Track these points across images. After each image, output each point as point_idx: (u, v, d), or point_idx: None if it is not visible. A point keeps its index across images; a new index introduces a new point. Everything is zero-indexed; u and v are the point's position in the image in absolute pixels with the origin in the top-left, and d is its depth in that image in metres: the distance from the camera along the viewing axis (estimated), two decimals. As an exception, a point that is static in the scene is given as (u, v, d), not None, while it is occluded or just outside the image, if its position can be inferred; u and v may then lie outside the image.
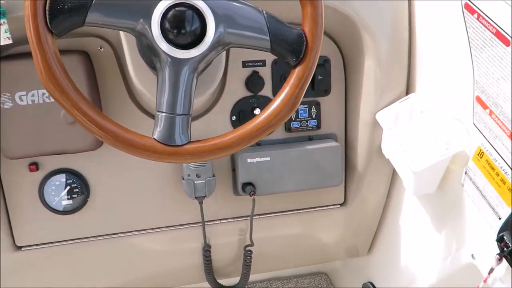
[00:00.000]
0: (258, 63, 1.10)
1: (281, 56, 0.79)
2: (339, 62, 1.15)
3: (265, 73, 1.11)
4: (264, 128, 0.78)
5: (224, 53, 1.02)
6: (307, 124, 1.16)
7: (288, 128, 1.15)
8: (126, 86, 1.06)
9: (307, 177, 1.13)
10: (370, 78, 1.08)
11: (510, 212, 0.82)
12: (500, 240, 0.82)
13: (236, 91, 1.11)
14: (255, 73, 1.11)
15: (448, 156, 0.94)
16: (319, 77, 1.13)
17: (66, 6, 0.70)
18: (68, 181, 1.09)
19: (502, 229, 0.84)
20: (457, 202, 0.97)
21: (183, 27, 0.73)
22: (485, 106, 0.87)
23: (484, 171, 0.89)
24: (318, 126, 1.16)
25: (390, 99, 1.10)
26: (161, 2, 0.72)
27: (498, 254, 0.82)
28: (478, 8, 0.85)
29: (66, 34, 0.74)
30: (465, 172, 0.94)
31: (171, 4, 0.73)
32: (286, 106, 0.78)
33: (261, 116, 0.78)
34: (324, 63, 1.13)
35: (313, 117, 1.15)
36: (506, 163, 0.83)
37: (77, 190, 1.09)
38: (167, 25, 0.73)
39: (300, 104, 1.13)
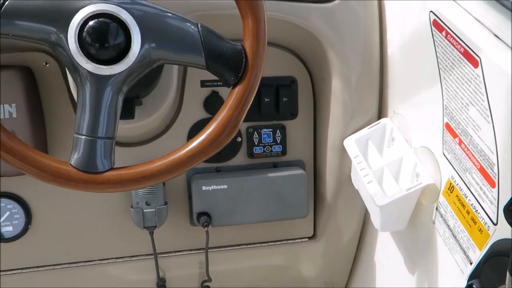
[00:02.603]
0: (218, 83, 1.02)
1: (218, 74, 0.70)
2: (307, 83, 1.06)
3: (226, 93, 1.02)
4: (197, 155, 0.69)
5: (176, 70, 0.95)
6: (271, 150, 1.07)
7: (250, 154, 1.06)
8: (73, 104, 0.98)
9: (269, 207, 1.04)
10: (338, 101, 0.99)
11: (480, 257, 0.72)
12: (469, 288, 0.71)
13: (194, 112, 1.03)
14: (214, 93, 1.03)
15: (416, 190, 0.84)
16: (284, 98, 1.04)
17: None
18: (8, 206, 1.01)
19: (472, 276, 0.73)
20: (429, 240, 0.87)
21: (104, 40, 0.65)
22: (454, 135, 0.77)
23: (454, 208, 0.79)
24: (284, 152, 1.07)
25: (360, 124, 1.00)
26: (80, 11, 0.65)
27: (466, 304, 0.71)
28: (446, 24, 0.76)
29: None
30: (436, 208, 0.84)
31: (91, 14, 0.65)
32: (223, 130, 0.69)
33: (194, 141, 0.69)
34: (290, 84, 1.05)
35: (278, 142, 1.06)
36: (477, 200, 0.73)
37: (17, 216, 1.01)
38: (85, 37, 0.65)
39: (264, 128, 1.05)
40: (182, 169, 0.69)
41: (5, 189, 1.00)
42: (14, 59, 0.94)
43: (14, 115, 0.92)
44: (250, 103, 0.70)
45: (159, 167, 0.68)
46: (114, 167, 0.69)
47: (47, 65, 0.96)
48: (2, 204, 1.00)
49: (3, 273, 1.04)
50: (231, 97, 0.69)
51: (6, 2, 0.64)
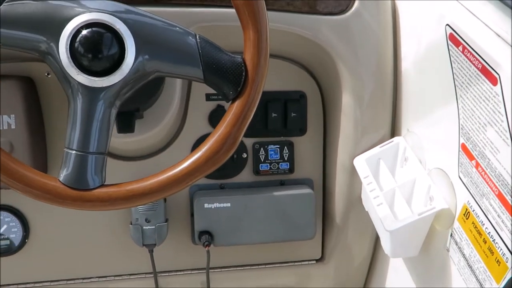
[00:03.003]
0: None
1: (217, 88, 0.66)
2: (317, 97, 1.01)
3: (232, 107, 0.99)
4: (192, 173, 0.65)
5: (180, 82, 0.91)
6: (278, 167, 1.02)
7: (256, 171, 1.02)
8: None
9: (274, 228, 0.99)
10: (349, 117, 0.95)
11: (498, 291, 0.66)
12: (484, 326, 0.65)
13: (198, 126, 0.99)
14: (220, 107, 0.99)
15: (429, 215, 0.78)
16: (293, 114, 0.99)
17: None
18: (6, 219, 0.98)
19: (488, 312, 0.67)
20: (443, 269, 0.81)
21: (97, 51, 0.62)
22: (471, 157, 0.72)
23: (470, 236, 0.73)
24: (291, 170, 1.02)
25: (372, 142, 0.95)
26: (73, 20, 0.62)
27: None
28: (463, 39, 0.71)
29: None
30: (451, 234, 0.78)
31: (85, 23, 0.62)
32: (221, 148, 0.65)
33: (190, 158, 0.65)
34: (299, 99, 1.00)
35: (285, 159, 1.02)
36: (494, 228, 0.67)
37: (15, 229, 0.98)
38: (77, 47, 0.62)
39: (271, 144, 1.01)
40: (175, 188, 0.65)
41: (3, 201, 0.97)
42: (15, 69, 0.92)
43: (13, 126, 0.89)
44: (250, 119, 0.66)
45: (152, 185, 0.64)
46: (105, 183, 0.66)
47: (49, 76, 0.93)
48: (1, 217, 0.97)
49: (-1, 288, 1.01)
50: (229, 112, 0.65)
51: (-4, 10, 0.62)
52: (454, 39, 0.73)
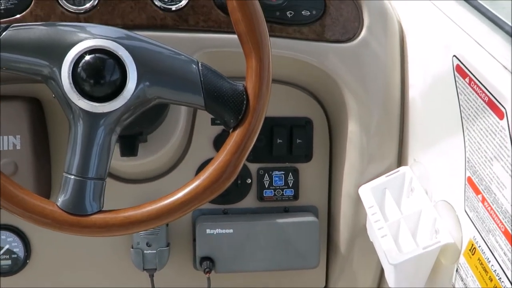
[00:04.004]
0: None
1: (218, 116, 0.66)
2: (323, 124, 1.01)
3: (237, 132, 0.98)
4: (190, 201, 0.64)
5: (185, 107, 0.91)
6: (283, 194, 1.01)
7: (260, 197, 1.01)
8: None
9: (277, 255, 0.97)
10: (355, 145, 0.93)
11: (503, 333, 0.63)
12: None
13: (203, 150, 0.98)
14: (225, 131, 0.98)
15: (434, 248, 0.76)
16: (298, 140, 0.98)
17: None
18: (8, 239, 0.98)
19: None
20: (449, 305, 0.79)
21: (99, 76, 0.62)
22: (477, 191, 0.70)
23: (476, 272, 0.70)
24: (296, 197, 1.01)
25: (378, 170, 0.93)
26: (76, 46, 0.62)
27: None
28: (469, 71, 0.70)
29: None
30: (456, 270, 0.76)
31: (87, 49, 0.62)
32: (220, 176, 0.64)
33: (188, 186, 0.65)
34: (305, 125, 0.99)
35: (290, 185, 1.01)
36: (500, 266, 0.65)
37: (17, 250, 0.98)
38: (80, 73, 0.62)
39: (275, 170, 1.00)
40: (173, 216, 0.64)
41: (7, 221, 0.97)
42: (22, 90, 0.92)
43: (18, 147, 0.90)
44: (251, 147, 0.65)
45: (149, 213, 0.64)
46: (103, 209, 0.65)
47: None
48: (3, 237, 0.97)
49: (-1, 308, 1.00)
50: (230, 140, 0.65)
51: (1, 35, 0.62)
52: (461, 70, 0.72)
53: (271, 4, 0.84)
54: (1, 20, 0.81)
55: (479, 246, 0.70)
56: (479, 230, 0.70)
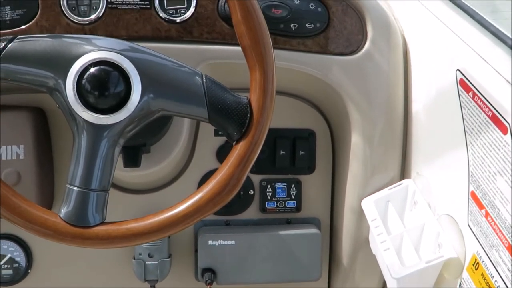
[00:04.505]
0: None
1: (222, 129, 0.66)
2: (326, 136, 1.01)
3: (240, 143, 0.98)
4: (193, 214, 0.64)
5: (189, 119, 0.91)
6: (285, 205, 1.01)
7: (262, 208, 1.00)
8: None
9: (278, 268, 0.97)
10: (358, 157, 0.93)
11: None
12: None
13: (205, 162, 0.99)
14: (228, 142, 0.98)
15: (437, 263, 0.76)
16: (301, 152, 0.99)
17: None
18: (10, 249, 0.98)
19: None
20: (452, 320, 0.78)
21: (103, 88, 0.62)
22: (480, 205, 0.69)
23: (479, 288, 0.70)
24: (298, 208, 1.01)
25: (381, 183, 0.93)
26: (81, 58, 0.62)
27: None
28: (473, 85, 0.70)
29: None
30: (460, 284, 0.75)
31: (92, 61, 0.62)
32: (223, 189, 0.64)
33: (191, 199, 0.65)
34: (308, 137, 0.99)
35: (292, 197, 1.00)
36: (504, 282, 0.64)
37: (19, 259, 0.98)
38: (84, 85, 0.62)
39: (278, 182, 1.00)
40: (175, 229, 0.64)
41: (9, 230, 0.97)
42: (27, 100, 0.93)
43: (22, 157, 0.90)
44: (254, 160, 0.65)
45: (151, 225, 0.64)
46: (106, 221, 0.65)
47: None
48: (4, 246, 0.97)
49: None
50: (233, 153, 0.65)
51: (7, 47, 0.63)
52: (465, 84, 0.72)
53: (275, 16, 0.85)
54: (7, 31, 0.81)
55: (483, 261, 0.69)
56: (482, 245, 0.69)
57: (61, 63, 0.63)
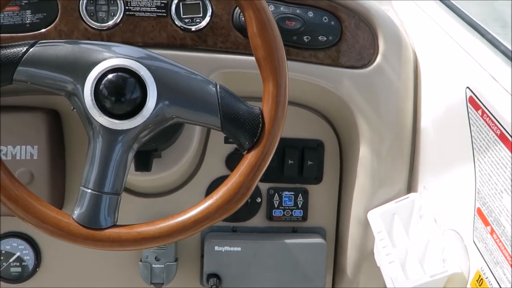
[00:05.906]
0: None
1: (233, 137, 0.67)
2: (334, 147, 1.02)
3: (249, 151, 1.00)
4: (202, 220, 0.65)
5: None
6: (292, 214, 1.02)
7: (269, 216, 1.02)
8: None
9: (283, 276, 0.98)
10: (365, 169, 0.94)
11: None
12: None
13: (214, 168, 1.00)
14: (237, 150, 1.00)
15: (441, 277, 0.77)
16: (309, 162, 1.00)
17: None
18: (20, 247, 0.99)
19: None
20: (454, 335, 0.79)
21: (120, 94, 0.64)
22: (486, 222, 0.70)
23: (482, 304, 0.71)
24: (304, 218, 1.02)
25: (387, 195, 0.94)
26: (100, 64, 0.64)
27: None
28: (482, 103, 0.71)
29: None
30: (463, 300, 0.76)
31: (110, 68, 0.64)
32: (233, 197, 0.66)
33: (201, 205, 0.66)
34: (316, 147, 1.01)
35: (299, 206, 1.01)
36: (507, 299, 0.65)
37: (27, 257, 0.99)
38: (102, 90, 0.64)
39: (285, 191, 1.01)
40: (185, 234, 0.65)
41: (19, 229, 0.99)
42: (42, 101, 0.94)
43: (35, 157, 0.91)
44: (264, 169, 0.67)
45: (161, 230, 0.65)
46: (117, 224, 0.67)
47: (75, 110, 0.96)
48: (14, 244, 0.99)
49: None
50: (244, 162, 0.66)
51: (29, 51, 0.64)
52: (474, 102, 0.73)
53: (289, 28, 0.86)
54: (27, 34, 0.83)
55: (487, 278, 0.70)
56: (487, 262, 0.70)
57: (80, 69, 0.64)
